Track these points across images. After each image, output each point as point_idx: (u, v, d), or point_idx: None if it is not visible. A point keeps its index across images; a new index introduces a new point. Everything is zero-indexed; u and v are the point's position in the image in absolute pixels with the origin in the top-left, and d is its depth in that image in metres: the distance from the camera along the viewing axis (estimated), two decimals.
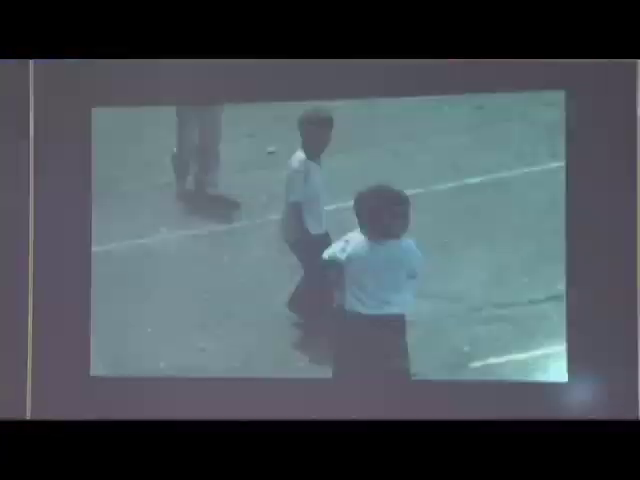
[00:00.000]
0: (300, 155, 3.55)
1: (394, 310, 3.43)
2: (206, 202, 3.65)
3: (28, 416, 3.55)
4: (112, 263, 3.63)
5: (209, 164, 3.67)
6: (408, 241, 3.42)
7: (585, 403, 3.25)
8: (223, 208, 3.63)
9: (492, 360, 3.39)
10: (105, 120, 3.63)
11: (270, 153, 3.62)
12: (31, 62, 3.58)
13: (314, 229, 3.57)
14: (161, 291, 3.60)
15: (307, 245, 3.55)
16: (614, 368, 3.22)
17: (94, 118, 3.62)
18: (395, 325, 3.42)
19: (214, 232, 3.63)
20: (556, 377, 3.31)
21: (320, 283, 3.51)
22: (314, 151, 3.55)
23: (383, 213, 3.43)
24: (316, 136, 3.54)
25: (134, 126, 3.66)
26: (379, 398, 3.39)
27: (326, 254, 3.47)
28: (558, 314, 3.33)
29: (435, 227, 3.48)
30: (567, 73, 3.28)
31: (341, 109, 3.53)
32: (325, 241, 3.52)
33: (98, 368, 3.59)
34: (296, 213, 3.57)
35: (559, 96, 3.36)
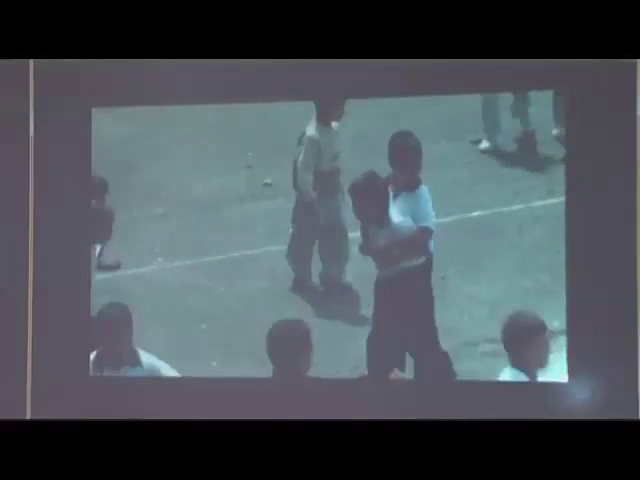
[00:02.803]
0: None
1: None
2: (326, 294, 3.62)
3: (28, 416, 3.55)
4: (108, 292, 3.62)
5: (337, 258, 3.61)
6: None
7: (585, 403, 3.25)
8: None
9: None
10: (105, 121, 3.65)
11: (266, 185, 3.64)
12: (31, 62, 3.58)
13: None
14: (156, 321, 3.60)
15: None
16: (614, 368, 3.21)
17: (94, 118, 3.63)
18: None
19: (211, 262, 3.62)
20: (556, 377, 3.31)
21: None
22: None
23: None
24: None
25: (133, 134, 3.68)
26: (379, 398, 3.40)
27: None
28: (556, 349, 3.33)
29: (432, 260, 3.47)
30: (567, 73, 3.27)
31: (340, 142, 3.56)
32: None
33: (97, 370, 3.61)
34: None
35: (557, 130, 3.39)
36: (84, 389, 3.57)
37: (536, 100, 3.45)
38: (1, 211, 3.61)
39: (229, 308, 3.58)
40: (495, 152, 3.52)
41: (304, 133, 3.59)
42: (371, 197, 3.45)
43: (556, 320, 3.33)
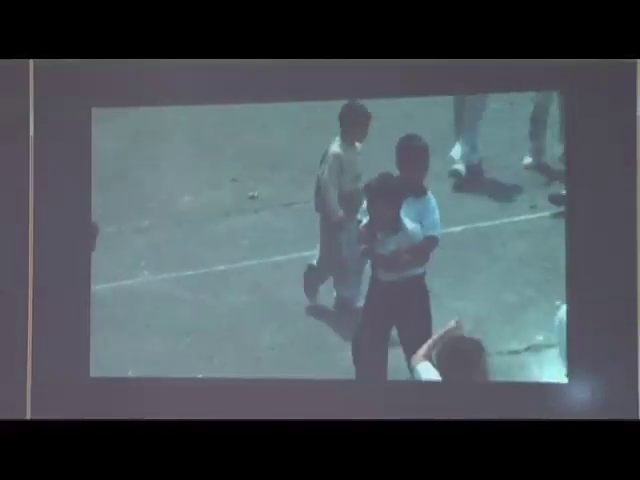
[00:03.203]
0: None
1: None
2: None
3: (28, 416, 3.55)
4: (95, 304, 3.61)
5: (350, 279, 3.60)
6: None
7: (585, 403, 3.25)
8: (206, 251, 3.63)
9: None
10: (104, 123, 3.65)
11: (252, 198, 3.64)
12: (31, 62, 3.58)
13: None
14: (142, 333, 3.60)
15: None
16: (614, 368, 3.21)
17: (94, 118, 3.62)
18: None
19: (196, 275, 3.62)
20: (556, 378, 3.31)
21: None
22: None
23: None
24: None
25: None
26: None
27: None
28: (538, 365, 3.35)
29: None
30: (567, 73, 3.27)
31: (363, 163, 3.56)
32: None
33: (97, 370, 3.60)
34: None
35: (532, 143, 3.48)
36: (84, 389, 3.57)
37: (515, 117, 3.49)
38: (1, 211, 3.61)
39: (214, 321, 3.58)
40: (479, 168, 3.54)
41: (327, 151, 3.58)
42: (386, 199, 3.44)
43: (539, 335, 3.35)
